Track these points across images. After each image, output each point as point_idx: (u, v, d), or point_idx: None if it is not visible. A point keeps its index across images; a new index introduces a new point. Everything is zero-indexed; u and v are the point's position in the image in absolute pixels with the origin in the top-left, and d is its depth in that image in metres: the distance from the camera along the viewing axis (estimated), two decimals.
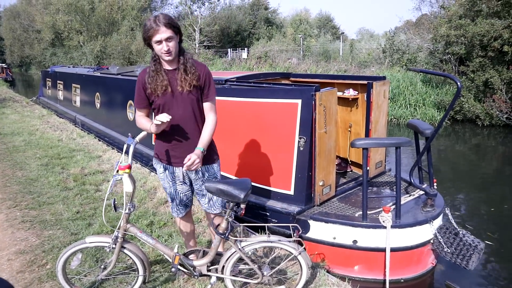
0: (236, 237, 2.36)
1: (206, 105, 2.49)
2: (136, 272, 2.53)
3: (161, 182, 2.65)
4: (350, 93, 4.68)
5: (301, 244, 2.35)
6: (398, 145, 3.29)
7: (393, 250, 3.41)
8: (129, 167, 2.13)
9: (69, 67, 14.03)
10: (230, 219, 2.28)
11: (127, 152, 2.25)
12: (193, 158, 2.23)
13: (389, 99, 13.82)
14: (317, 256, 3.69)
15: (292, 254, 2.37)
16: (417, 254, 3.56)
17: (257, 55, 29.64)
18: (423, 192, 3.88)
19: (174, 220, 3.54)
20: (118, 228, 2.37)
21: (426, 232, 3.51)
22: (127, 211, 2.31)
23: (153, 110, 2.50)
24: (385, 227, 3.36)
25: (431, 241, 3.58)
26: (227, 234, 2.28)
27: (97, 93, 8.56)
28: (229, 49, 34.88)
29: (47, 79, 13.85)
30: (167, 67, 2.39)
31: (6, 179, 5.38)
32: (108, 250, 2.39)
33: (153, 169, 5.93)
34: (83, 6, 34.21)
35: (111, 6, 35.00)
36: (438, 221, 3.65)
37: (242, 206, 2.19)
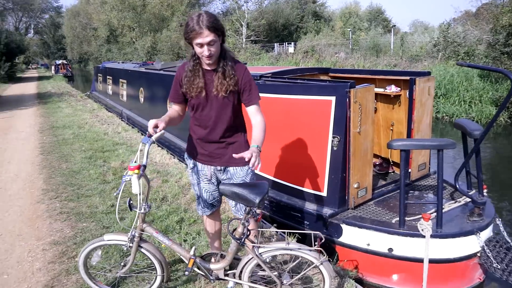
0: (254, 242, 2.23)
1: (250, 109, 2.32)
2: (155, 272, 2.49)
3: (189, 178, 2.60)
4: (392, 89, 4.38)
5: (323, 253, 2.18)
6: (440, 148, 2.99)
7: (433, 261, 3.12)
8: (139, 167, 2.07)
9: (118, 63, 14.59)
10: (246, 224, 2.16)
11: (143, 151, 2.20)
12: (247, 155, 1.97)
13: (440, 96, 12.80)
14: (349, 263, 3.49)
15: (314, 263, 2.21)
16: (461, 267, 3.24)
17: (304, 49, 29.20)
18: (471, 200, 3.53)
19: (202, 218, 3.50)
20: (135, 227, 2.34)
21: (471, 244, 3.18)
22: (142, 211, 2.27)
23: (189, 107, 2.45)
24: (424, 236, 3.08)
25: (478, 254, 3.24)
26: (243, 239, 2.17)
27: (141, 88, 8.79)
28: (275, 44, 34.65)
29: (99, 74, 14.51)
30: (206, 67, 2.29)
31: (52, 170, 5.66)
32: (125, 248, 2.37)
33: None
34: (135, 2, 35.59)
35: (161, 2, 36.04)
36: (487, 233, 3.29)
37: (258, 211, 2.07)
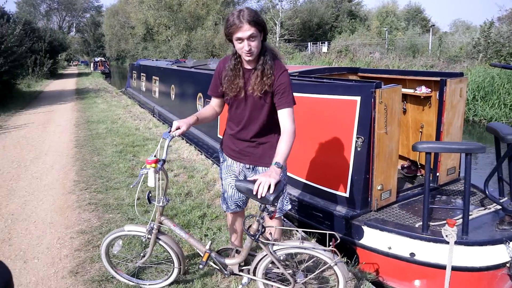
0: (269, 239, 2.24)
1: (280, 113, 2.21)
2: (172, 264, 2.55)
3: (219, 172, 2.64)
4: (422, 90, 4.25)
5: (337, 254, 2.16)
6: (467, 151, 2.87)
7: (457, 269, 3.01)
8: (157, 161, 2.13)
9: (152, 60, 14.96)
10: (261, 221, 2.18)
11: (163, 146, 2.25)
12: (262, 181, 1.93)
13: (478, 98, 12.29)
14: (369, 265, 3.43)
15: (328, 263, 2.19)
16: (488, 277, 3.09)
17: (338, 49, 28.83)
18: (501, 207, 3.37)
19: (225, 213, 3.55)
20: (153, 220, 2.40)
21: (499, 254, 3.03)
22: (160, 204, 2.33)
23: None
24: (447, 242, 2.98)
25: (507, 265, 3.08)
26: (257, 236, 2.18)
27: (172, 85, 8.98)
28: (309, 43, 34.37)
29: (133, 71, 14.94)
30: (246, 66, 2.26)
31: (84, 163, 5.90)
32: (144, 240, 2.44)
33: (216, 161, 6.08)
34: (171, 1, 36.40)
35: (197, 1, 36.66)
36: None
37: (272, 208, 2.07)
